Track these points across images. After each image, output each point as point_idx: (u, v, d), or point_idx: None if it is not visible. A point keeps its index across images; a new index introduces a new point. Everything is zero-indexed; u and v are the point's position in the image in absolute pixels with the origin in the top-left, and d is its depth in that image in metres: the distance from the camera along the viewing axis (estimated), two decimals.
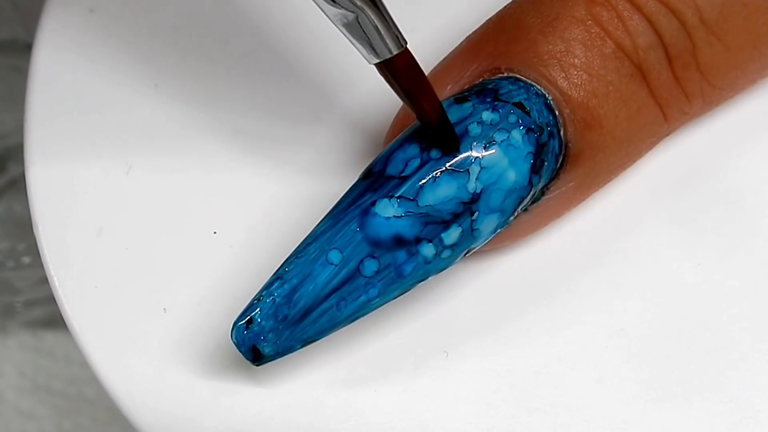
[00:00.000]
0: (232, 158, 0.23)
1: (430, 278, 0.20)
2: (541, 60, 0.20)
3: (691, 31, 0.20)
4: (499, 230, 0.20)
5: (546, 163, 0.20)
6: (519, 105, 0.20)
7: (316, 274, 0.19)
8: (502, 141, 0.19)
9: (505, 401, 0.20)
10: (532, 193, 0.20)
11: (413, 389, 0.21)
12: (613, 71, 0.20)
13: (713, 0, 0.20)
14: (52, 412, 0.35)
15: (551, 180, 0.20)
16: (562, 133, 0.20)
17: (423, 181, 0.19)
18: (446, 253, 0.19)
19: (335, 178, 0.22)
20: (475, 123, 0.19)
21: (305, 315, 0.19)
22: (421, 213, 0.19)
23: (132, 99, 0.23)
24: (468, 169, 0.19)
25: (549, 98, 0.20)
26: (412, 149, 0.19)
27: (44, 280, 0.22)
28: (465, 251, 0.20)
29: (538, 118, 0.20)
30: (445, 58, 0.21)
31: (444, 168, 0.19)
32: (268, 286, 0.19)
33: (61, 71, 0.23)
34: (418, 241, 0.19)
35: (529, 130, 0.19)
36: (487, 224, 0.19)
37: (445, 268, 0.20)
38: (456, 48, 0.21)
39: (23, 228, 0.35)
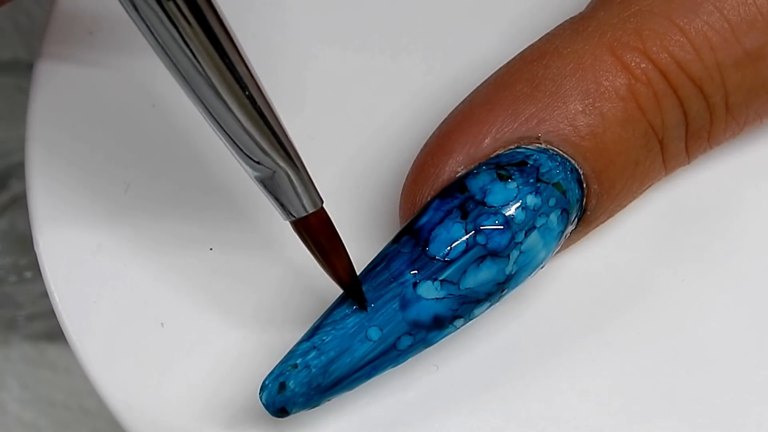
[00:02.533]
0: (229, 176, 0.23)
1: None
2: (579, 137, 0.20)
3: (713, 110, 0.20)
4: None
5: (565, 232, 0.20)
6: (558, 186, 0.20)
7: (354, 349, 0.19)
8: (541, 226, 0.19)
9: (495, 414, 0.21)
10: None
11: (404, 401, 0.21)
12: (641, 149, 0.20)
13: (741, 86, 0.20)
14: (53, 423, 0.35)
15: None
16: (584, 203, 0.20)
17: (468, 265, 0.19)
18: (469, 322, 0.20)
19: (334, 194, 0.22)
20: (521, 209, 0.19)
21: (337, 383, 0.19)
22: (460, 295, 0.19)
23: (130, 118, 0.23)
24: (509, 255, 0.19)
25: (581, 173, 0.20)
26: (457, 230, 0.19)
27: (46, 294, 0.22)
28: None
29: (571, 197, 0.20)
30: (468, 105, 0.21)
31: (488, 254, 0.19)
32: (304, 354, 0.19)
33: (61, 91, 0.24)
34: (453, 318, 0.19)
35: (564, 210, 0.20)
36: (510, 292, 0.20)
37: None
38: (479, 93, 0.21)
39: (25, 243, 0.36)
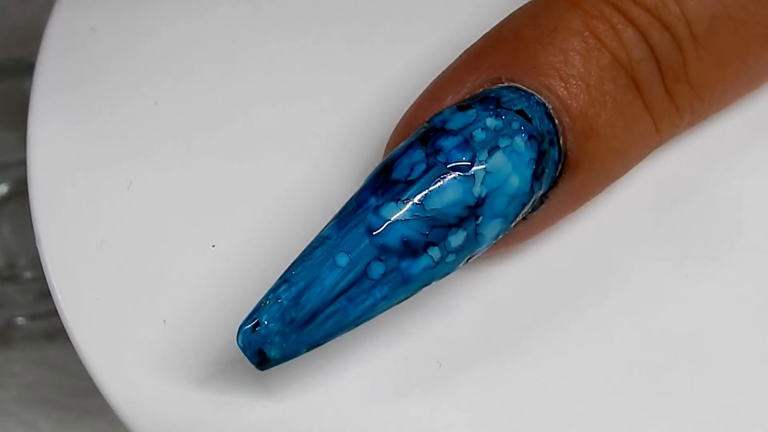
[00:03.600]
0: (231, 173, 0.23)
1: (433, 284, 0.20)
2: (540, 70, 0.20)
3: (681, 44, 0.20)
4: (500, 236, 0.20)
5: (546, 171, 0.20)
6: (521, 113, 0.20)
7: (323, 277, 0.19)
8: (505, 147, 0.19)
9: (499, 411, 0.21)
10: (533, 200, 0.20)
11: (407, 399, 0.21)
12: (610, 81, 0.20)
13: (703, 14, 0.20)
14: (53, 423, 0.35)
15: (550, 188, 0.20)
16: (561, 141, 0.20)
17: (430, 184, 0.19)
18: (451, 258, 0.19)
19: (336, 191, 0.23)
20: (480, 129, 0.20)
21: (312, 318, 0.19)
22: (427, 216, 0.19)
23: (133, 116, 0.23)
24: (474, 174, 0.19)
25: (549, 107, 0.20)
26: (418, 154, 0.20)
27: (46, 294, 0.22)
28: (468, 256, 0.20)
29: (540, 126, 0.20)
30: (444, 71, 0.22)
31: (450, 172, 0.19)
32: (274, 289, 0.19)
33: (62, 88, 0.24)
34: (424, 244, 0.19)
35: (531, 137, 0.20)
36: (490, 229, 0.20)
37: (448, 273, 0.20)
38: (455, 61, 0.22)
39: (25, 243, 0.36)
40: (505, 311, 0.22)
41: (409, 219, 0.19)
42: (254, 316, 0.19)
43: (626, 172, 0.22)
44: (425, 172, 0.19)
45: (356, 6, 0.25)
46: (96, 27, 0.24)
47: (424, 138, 0.20)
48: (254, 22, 0.25)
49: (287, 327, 0.19)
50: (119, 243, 0.22)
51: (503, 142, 0.19)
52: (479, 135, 0.19)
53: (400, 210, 0.19)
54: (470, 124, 0.20)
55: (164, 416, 0.21)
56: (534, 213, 0.21)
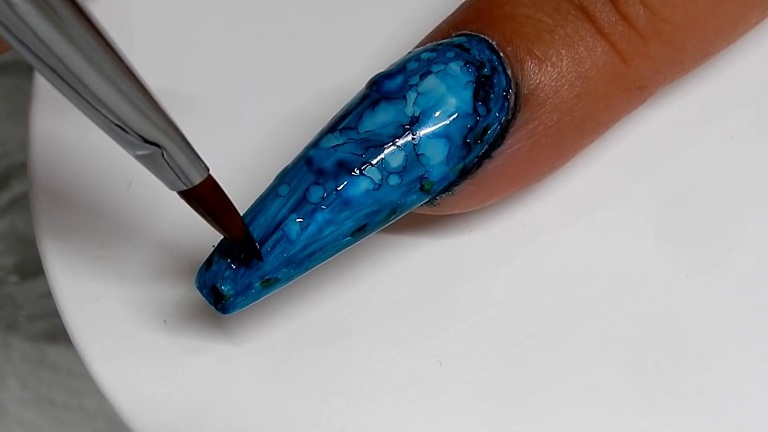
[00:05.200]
0: (230, 172, 0.23)
1: (400, 217, 0.20)
2: (481, 14, 0.21)
3: None
4: (454, 165, 0.20)
5: (493, 96, 0.20)
6: (459, 45, 0.20)
7: (267, 207, 0.20)
8: (438, 71, 0.20)
9: (498, 410, 0.21)
10: (482, 125, 0.20)
11: (407, 398, 0.21)
12: (553, 13, 0.20)
13: None
14: (53, 423, 0.35)
15: (508, 121, 0.20)
16: (509, 71, 0.20)
17: (363, 111, 0.20)
18: (394, 180, 0.20)
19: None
20: (414, 60, 0.20)
21: (258, 248, 0.19)
22: (361, 138, 0.20)
23: None
24: (405, 96, 0.20)
25: (491, 41, 0.20)
26: (358, 95, 0.20)
27: (46, 295, 0.22)
28: (419, 183, 0.20)
29: (479, 55, 0.20)
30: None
31: (382, 96, 0.20)
32: None
33: None
34: (360, 164, 0.19)
35: (467, 62, 0.20)
36: (433, 149, 0.20)
37: (400, 205, 0.20)
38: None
39: (26, 243, 0.36)
40: (506, 312, 0.22)
41: (343, 143, 0.20)
42: (209, 257, 0.20)
43: (606, 115, 0.21)
44: (360, 102, 0.20)
45: (353, 8, 0.25)
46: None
47: (368, 84, 0.20)
48: (253, 23, 0.25)
49: (235, 261, 0.19)
50: (119, 244, 0.22)
51: (436, 68, 0.20)
52: (412, 65, 0.20)
53: (336, 138, 0.20)
54: (405, 60, 0.20)
55: (164, 415, 0.21)
56: (500, 150, 0.20)
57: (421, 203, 0.20)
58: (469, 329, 0.21)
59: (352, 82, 0.21)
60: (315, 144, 0.20)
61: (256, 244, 0.19)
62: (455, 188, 0.20)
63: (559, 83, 0.20)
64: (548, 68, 0.20)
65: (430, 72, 0.20)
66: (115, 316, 0.22)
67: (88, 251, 0.22)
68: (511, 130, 0.20)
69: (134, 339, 0.21)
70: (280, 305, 0.22)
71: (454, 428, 0.21)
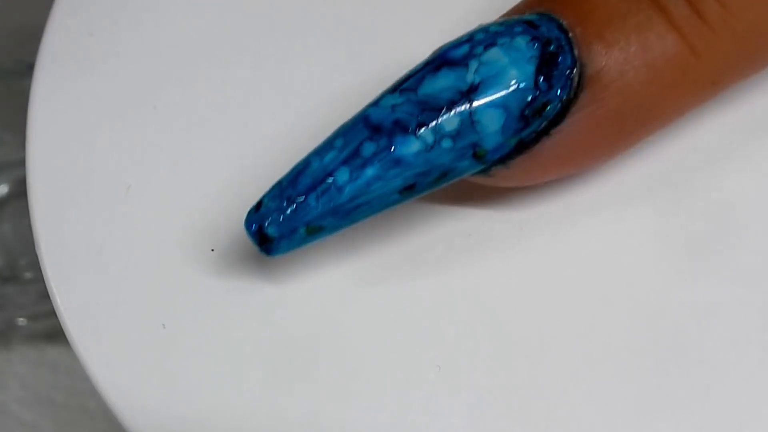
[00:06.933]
0: (230, 177, 0.23)
1: (442, 187, 0.20)
2: None
3: None
4: (510, 137, 0.20)
5: (556, 73, 0.20)
6: (528, 22, 0.20)
7: (321, 156, 0.20)
8: (503, 44, 0.20)
9: (498, 417, 0.21)
10: (542, 101, 0.20)
11: (406, 403, 0.21)
12: (627, 1, 0.20)
13: None
14: (53, 423, 0.35)
15: (569, 100, 0.20)
16: (575, 52, 0.20)
17: (425, 74, 0.20)
18: (447, 143, 0.20)
19: None
20: (481, 32, 0.20)
21: (306, 193, 0.20)
22: (419, 100, 0.20)
23: (131, 121, 0.24)
24: (467, 63, 0.20)
25: (562, 21, 0.20)
26: (422, 62, 0.20)
27: (46, 295, 0.22)
28: (472, 150, 0.20)
29: (547, 32, 0.20)
30: None
31: (444, 62, 0.20)
32: (282, 177, 0.20)
33: (61, 93, 0.24)
34: (416, 125, 0.20)
35: (534, 38, 0.20)
36: (489, 118, 0.20)
37: (452, 168, 0.20)
38: None
39: (25, 244, 0.36)
40: (506, 317, 0.22)
41: (401, 103, 0.20)
42: (260, 200, 0.20)
43: (673, 102, 0.21)
44: (423, 67, 0.20)
45: (357, 11, 0.25)
46: (94, 32, 0.24)
47: (434, 52, 0.21)
48: (253, 26, 0.25)
49: (284, 203, 0.20)
50: (118, 247, 0.22)
51: (501, 40, 0.20)
52: (479, 35, 0.20)
53: (395, 98, 0.20)
54: (473, 31, 0.20)
55: (162, 418, 0.21)
56: (559, 128, 0.21)
57: (475, 171, 0.21)
58: (468, 334, 0.21)
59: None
60: (375, 103, 0.20)
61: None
62: (510, 162, 0.21)
63: (625, 68, 0.20)
64: (615, 52, 0.20)
65: (494, 44, 0.20)
66: (114, 321, 0.22)
67: (86, 256, 0.22)
68: (572, 110, 0.20)
69: (133, 343, 0.21)
70: (275, 308, 0.22)
71: None
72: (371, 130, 0.20)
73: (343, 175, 0.20)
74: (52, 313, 0.22)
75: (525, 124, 0.20)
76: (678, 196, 0.23)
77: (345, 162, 0.20)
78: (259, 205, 0.20)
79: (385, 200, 0.20)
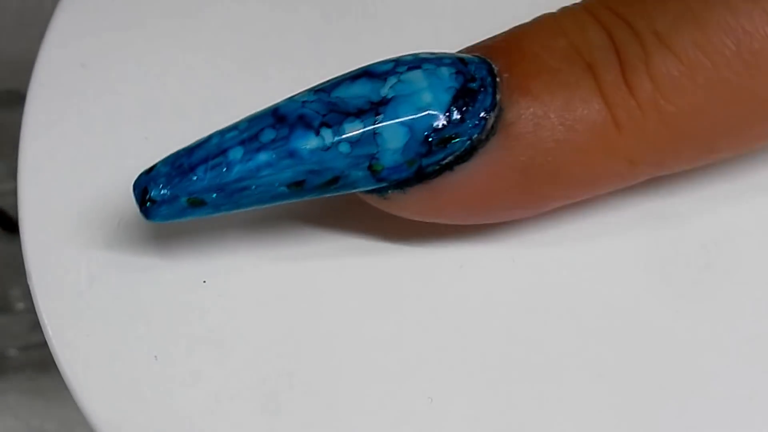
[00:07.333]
0: None
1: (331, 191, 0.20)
2: (497, 41, 0.21)
3: (643, 39, 0.20)
4: (409, 159, 0.20)
5: (472, 109, 0.20)
6: (460, 58, 0.20)
7: (221, 135, 0.20)
8: (427, 69, 0.20)
9: None
10: (450, 133, 0.20)
11: None
12: (562, 60, 0.20)
13: (666, 12, 0.20)
14: None
15: (479, 141, 0.20)
16: (498, 96, 0.20)
17: (344, 80, 0.20)
18: (344, 147, 0.20)
19: (335, 224, 0.23)
20: (410, 56, 0.20)
21: (197, 165, 0.20)
22: (329, 101, 0.20)
23: (122, 152, 0.24)
24: (386, 78, 0.20)
25: (494, 67, 0.20)
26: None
27: (38, 325, 0.22)
28: (368, 161, 0.20)
29: (474, 71, 0.20)
30: None
31: (365, 73, 0.20)
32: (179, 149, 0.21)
33: (52, 124, 0.24)
34: (319, 123, 0.20)
35: (458, 72, 0.20)
36: (392, 134, 0.20)
37: (343, 174, 0.20)
38: None
39: (16, 274, 0.36)
40: (497, 347, 0.22)
41: (312, 101, 0.20)
42: (154, 164, 0.20)
43: (587, 172, 0.21)
44: (345, 74, 0.20)
45: (353, 40, 0.25)
46: (85, 63, 0.24)
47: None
48: (246, 57, 0.25)
49: (174, 170, 0.20)
50: (109, 279, 0.22)
51: (426, 66, 0.20)
52: (407, 57, 0.20)
53: (308, 95, 0.20)
54: (405, 54, 0.21)
55: None
56: (462, 165, 0.20)
57: (370, 188, 0.21)
58: (459, 365, 0.21)
59: None
60: (290, 98, 0.20)
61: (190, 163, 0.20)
62: (408, 188, 0.21)
63: (542, 123, 0.20)
64: (537, 106, 0.20)
65: (418, 67, 0.20)
66: (105, 353, 0.22)
67: (77, 288, 0.22)
68: (480, 151, 0.20)
69: (125, 375, 0.21)
70: (270, 343, 0.22)
71: None
72: (276, 119, 0.20)
73: (236, 154, 0.20)
74: (44, 344, 0.22)
75: (428, 150, 0.20)
76: (667, 227, 0.23)
77: (242, 143, 0.20)
78: (151, 169, 0.20)
79: (271, 190, 0.20)
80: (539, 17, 0.21)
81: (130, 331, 0.22)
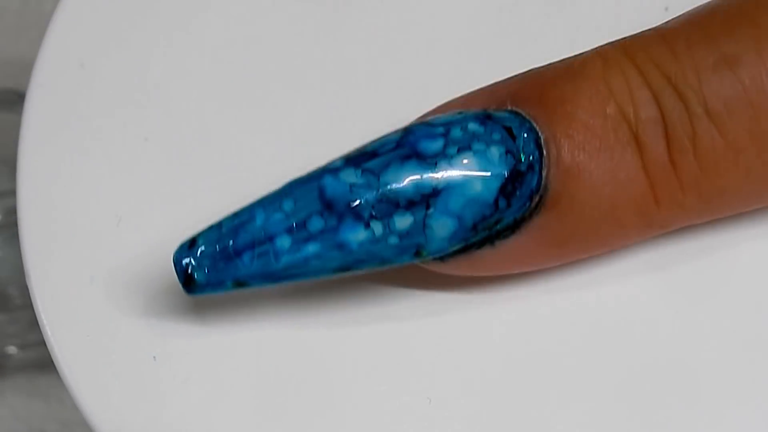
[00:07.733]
0: (221, 209, 0.23)
1: (378, 268, 0.20)
2: (543, 101, 0.20)
3: (693, 117, 0.20)
4: (455, 244, 0.20)
5: (518, 194, 0.20)
6: (508, 129, 0.20)
7: (267, 214, 0.20)
8: (477, 150, 0.19)
9: None
10: (496, 218, 0.20)
11: None
12: (610, 131, 0.20)
13: (719, 92, 0.20)
14: None
15: (523, 219, 0.20)
16: (544, 173, 0.20)
17: (392, 161, 0.19)
18: (393, 240, 0.19)
19: None
20: (459, 128, 0.20)
21: (243, 251, 0.19)
22: (378, 188, 0.19)
23: (122, 152, 0.23)
24: (437, 162, 0.19)
25: (541, 135, 0.20)
26: (394, 136, 0.20)
27: (37, 324, 0.22)
28: (414, 249, 0.20)
29: (523, 147, 0.20)
30: (459, 96, 0.21)
31: (415, 156, 0.19)
32: (224, 219, 0.20)
33: (52, 124, 0.24)
34: (369, 215, 0.19)
35: (509, 152, 0.20)
36: (441, 225, 0.19)
37: (389, 260, 0.20)
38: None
39: (15, 273, 0.36)
40: (497, 350, 0.22)
41: (360, 185, 0.19)
42: (195, 237, 0.20)
43: (616, 242, 0.21)
44: (392, 149, 0.20)
45: (359, 50, 0.25)
46: (85, 63, 0.24)
47: (406, 128, 0.20)
48: (248, 57, 0.25)
49: (219, 254, 0.20)
50: (108, 279, 0.22)
51: (477, 146, 0.19)
52: (456, 132, 0.20)
53: (356, 176, 0.19)
54: (452, 122, 0.20)
55: None
56: (503, 241, 0.20)
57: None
58: (458, 367, 0.21)
59: None
60: (334, 172, 0.20)
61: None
62: (447, 258, 0.20)
63: (585, 198, 0.20)
64: (582, 182, 0.20)
65: (469, 148, 0.19)
66: (104, 353, 0.22)
67: (77, 288, 0.22)
68: (521, 229, 0.20)
69: (124, 376, 0.21)
70: (270, 343, 0.22)
71: None
72: (324, 204, 0.19)
73: (283, 243, 0.19)
74: (43, 343, 0.22)
75: (474, 234, 0.20)
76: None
77: (289, 231, 0.19)
78: (193, 243, 0.20)
79: (317, 274, 0.20)
80: (584, 64, 0.20)
81: (130, 332, 0.22)
